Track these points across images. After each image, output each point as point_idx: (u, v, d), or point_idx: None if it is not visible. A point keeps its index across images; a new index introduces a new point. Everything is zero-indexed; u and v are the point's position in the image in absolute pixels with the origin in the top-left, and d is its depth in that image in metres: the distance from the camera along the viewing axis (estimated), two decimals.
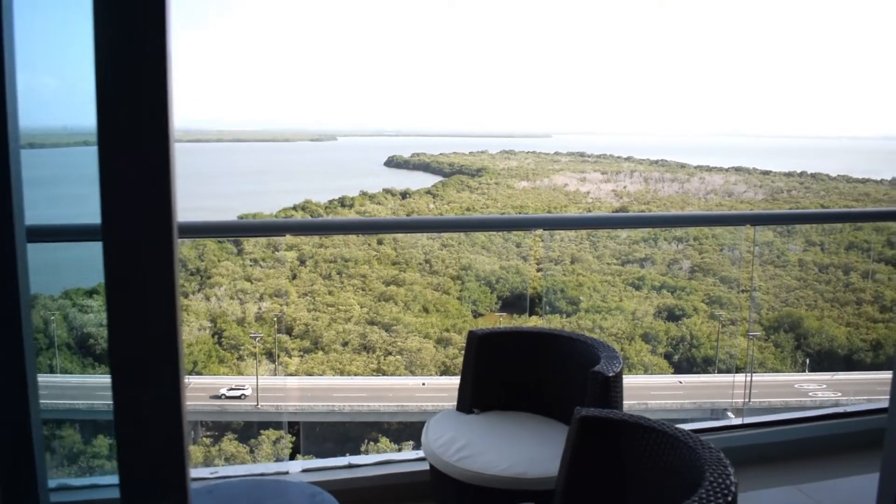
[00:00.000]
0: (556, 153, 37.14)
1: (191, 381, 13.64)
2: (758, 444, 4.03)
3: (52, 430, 12.41)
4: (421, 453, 2.94)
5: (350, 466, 3.56)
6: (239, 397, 13.17)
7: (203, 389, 13.66)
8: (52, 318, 14.85)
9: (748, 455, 3.93)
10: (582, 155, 36.69)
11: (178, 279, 0.88)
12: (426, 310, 16.39)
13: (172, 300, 0.87)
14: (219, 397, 13.19)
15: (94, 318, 15.00)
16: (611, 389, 2.65)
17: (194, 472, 3.54)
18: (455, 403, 3.23)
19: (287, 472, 3.51)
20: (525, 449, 2.76)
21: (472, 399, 3.13)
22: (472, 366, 3.17)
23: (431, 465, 2.78)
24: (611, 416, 2.24)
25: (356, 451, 12.49)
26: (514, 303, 15.83)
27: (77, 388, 13.10)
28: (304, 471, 3.52)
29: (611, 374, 2.64)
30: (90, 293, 15.89)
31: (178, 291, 0.87)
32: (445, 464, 2.68)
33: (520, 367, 3.23)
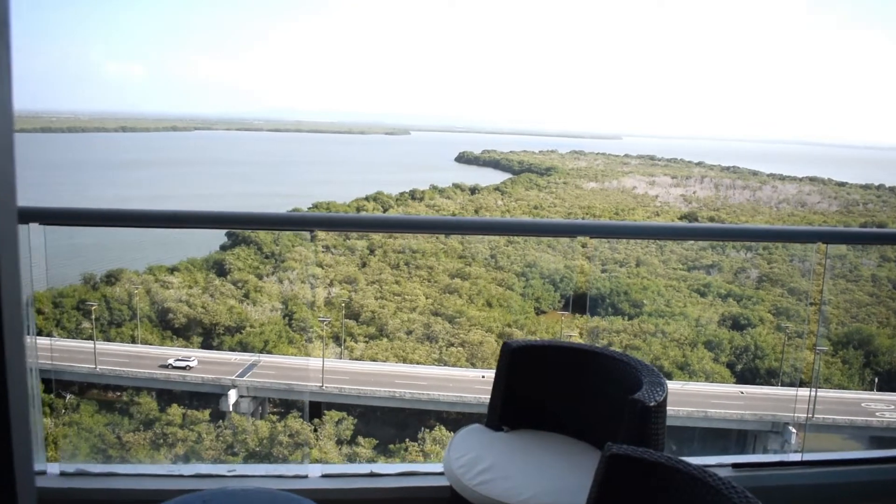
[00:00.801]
0: (626, 155, 36.86)
1: (260, 359, 14.25)
2: (818, 485, 3.65)
3: (132, 396, 13.33)
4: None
5: (372, 475, 3.40)
6: (184, 368, 13.66)
7: (249, 364, 14.25)
8: (136, 291, 15.77)
9: (806, 496, 3.63)
10: (652, 158, 36.31)
11: (18, 265, 0.84)
12: (489, 304, 16.63)
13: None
14: (166, 366, 13.69)
15: (175, 294, 15.83)
16: (650, 421, 2.39)
17: (211, 469, 3.43)
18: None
19: (306, 476, 3.36)
20: (552, 476, 2.57)
21: (503, 415, 2.94)
22: (504, 379, 2.95)
23: (451, 486, 2.61)
24: (645, 457, 1.99)
25: (414, 438, 12.86)
26: (577, 301, 15.94)
27: (153, 359, 13.97)
28: (324, 476, 3.38)
29: (652, 404, 2.38)
30: (172, 270, 16.80)
31: (16, 278, 0.83)
32: (464, 486, 2.51)
33: (555, 384, 3.00)
